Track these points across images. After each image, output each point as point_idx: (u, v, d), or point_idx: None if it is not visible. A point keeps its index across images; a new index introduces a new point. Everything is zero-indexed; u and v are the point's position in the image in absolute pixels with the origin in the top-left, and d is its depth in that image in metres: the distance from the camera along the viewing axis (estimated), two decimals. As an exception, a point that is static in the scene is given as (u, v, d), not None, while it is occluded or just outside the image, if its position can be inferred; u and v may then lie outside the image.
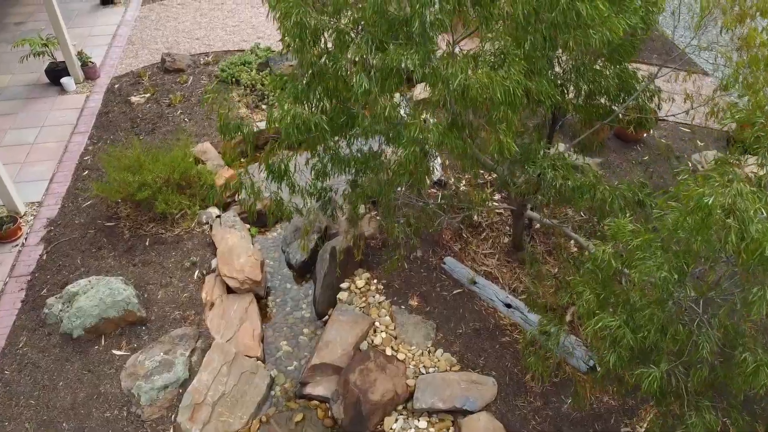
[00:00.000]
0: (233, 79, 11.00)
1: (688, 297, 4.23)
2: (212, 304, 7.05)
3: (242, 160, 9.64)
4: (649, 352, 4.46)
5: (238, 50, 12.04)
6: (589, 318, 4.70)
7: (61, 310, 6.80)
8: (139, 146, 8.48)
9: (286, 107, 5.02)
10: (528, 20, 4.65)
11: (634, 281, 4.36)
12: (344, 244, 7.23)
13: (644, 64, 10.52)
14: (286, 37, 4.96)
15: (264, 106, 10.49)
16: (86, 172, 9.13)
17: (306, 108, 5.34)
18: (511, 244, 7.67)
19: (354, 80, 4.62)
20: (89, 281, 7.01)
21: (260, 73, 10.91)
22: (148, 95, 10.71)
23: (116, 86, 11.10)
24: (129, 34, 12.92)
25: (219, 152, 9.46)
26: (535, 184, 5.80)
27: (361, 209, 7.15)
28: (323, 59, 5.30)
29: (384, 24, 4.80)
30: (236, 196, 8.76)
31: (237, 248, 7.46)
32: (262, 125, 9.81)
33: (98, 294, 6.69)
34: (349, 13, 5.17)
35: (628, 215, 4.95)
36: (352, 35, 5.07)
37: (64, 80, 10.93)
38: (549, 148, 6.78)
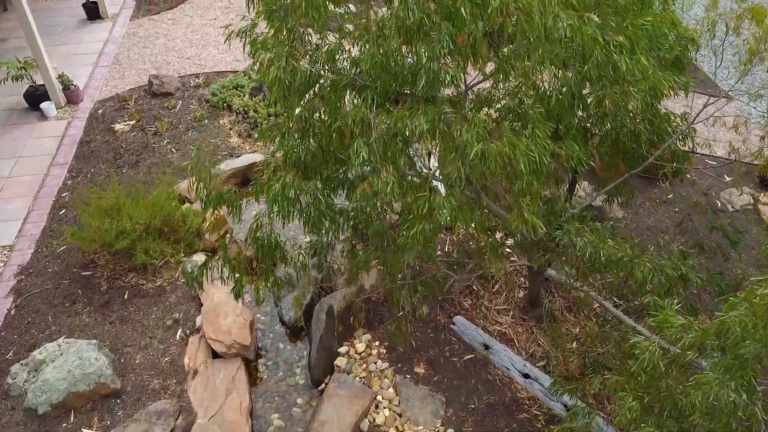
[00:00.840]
0: (225, 104, 10.28)
1: (760, 422, 3.50)
2: (195, 372, 6.33)
3: (233, 195, 8.91)
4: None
5: (231, 71, 11.32)
6: (632, 426, 4.01)
7: (26, 381, 6.09)
8: (119, 187, 7.77)
9: (274, 175, 4.30)
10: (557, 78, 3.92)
11: (688, 393, 3.65)
12: (342, 303, 6.52)
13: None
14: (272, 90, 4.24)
15: (256, 134, 9.75)
16: (63, 211, 8.41)
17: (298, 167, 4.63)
18: (527, 299, 6.95)
19: (351, 148, 3.89)
20: (59, 346, 6.30)
21: (253, 99, 10.18)
22: (133, 122, 9.99)
23: (100, 111, 10.38)
24: (116, 52, 12.19)
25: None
26: (560, 253, 5.08)
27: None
28: (316, 114, 4.59)
29: (386, 77, 4.08)
30: (226, 237, 8.05)
31: (224, 306, 6.73)
32: (255, 157, 9.11)
33: (67, 365, 5.97)
34: (345, 56, 4.46)
35: (675, 302, 4.23)
36: (350, 84, 4.35)
37: (44, 105, 10.21)
38: (571, 202, 6.07)
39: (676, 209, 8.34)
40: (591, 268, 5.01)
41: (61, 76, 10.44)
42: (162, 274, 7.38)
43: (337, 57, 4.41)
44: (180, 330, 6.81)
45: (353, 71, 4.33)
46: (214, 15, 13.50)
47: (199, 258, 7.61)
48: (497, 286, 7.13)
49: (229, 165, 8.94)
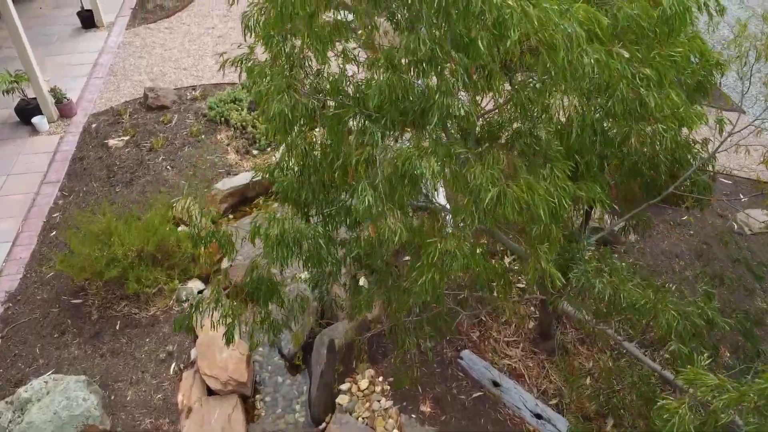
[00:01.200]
0: (222, 119, 9.95)
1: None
2: (190, 410, 6.01)
3: (230, 216, 8.60)
4: None
5: (228, 83, 10.98)
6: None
7: (10, 421, 5.76)
8: (110, 209, 7.46)
9: (271, 216, 3.97)
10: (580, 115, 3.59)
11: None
12: (344, 339, 6.19)
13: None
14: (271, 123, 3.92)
15: (255, 152, 9.44)
16: (54, 233, 8.09)
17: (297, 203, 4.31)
18: (538, 330, 6.62)
19: (355, 191, 3.57)
20: (45, 383, 5.98)
21: (252, 113, 9.85)
22: (127, 138, 9.66)
23: (93, 126, 10.05)
24: (111, 63, 11.86)
25: (204, 208, 8.41)
26: (578, 293, 4.76)
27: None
28: (317, 150, 4.27)
29: (394, 113, 3.75)
30: (221, 262, 7.74)
31: (219, 338, 6.37)
32: (252, 175, 8.77)
33: (53, 405, 5.65)
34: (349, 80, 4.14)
35: (705, 356, 3.90)
36: (354, 118, 4.03)
37: (35, 120, 9.90)
38: (586, 233, 5.74)
39: (691, 232, 8.01)
40: (610, 310, 4.69)
41: (53, 90, 10.12)
42: (155, 303, 7.05)
43: (341, 87, 4.09)
44: (174, 364, 6.49)
45: (357, 96, 4.00)
46: (212, 23, 13.18)
47: (195, 285, 7.30)
48: (506, 316, 6.80)
49: (226, 184, 8.61)
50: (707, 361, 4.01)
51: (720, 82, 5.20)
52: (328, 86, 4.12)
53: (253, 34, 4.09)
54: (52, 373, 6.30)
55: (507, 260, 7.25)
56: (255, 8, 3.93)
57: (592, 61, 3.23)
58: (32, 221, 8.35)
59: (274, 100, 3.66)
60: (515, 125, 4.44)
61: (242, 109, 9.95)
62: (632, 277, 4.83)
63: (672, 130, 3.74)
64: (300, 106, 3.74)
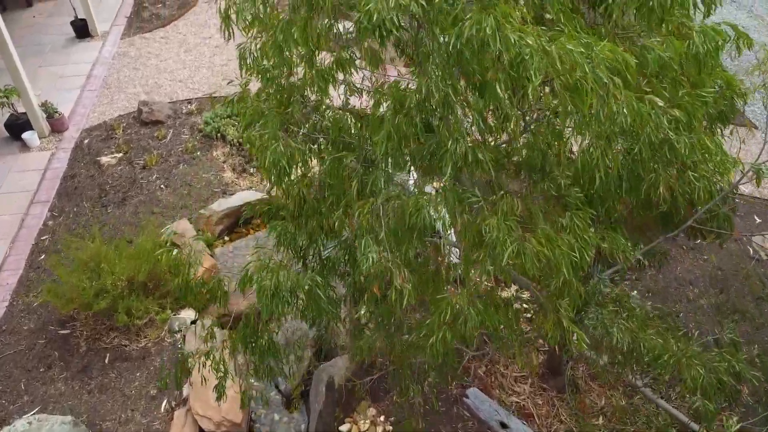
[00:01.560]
0: (218, 134, 9.64)
1: None
2: (181, 452, 5.70)
3: (226, 238, 8.30)
4: None
5: (225, 96, 10.66)
6: None
7: (-9, 466, 5.46)
8: (100, 233, 7.15)
9: (263, 264, 3.66)
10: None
11: None
12: (344, 375, 5.89)
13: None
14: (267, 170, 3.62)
15: (252, 169, 9.14)
16: (42, 257, 7.79)
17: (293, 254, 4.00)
18: (547, 365, 6.31)
19: (358, 246, 3.27)
20: (29, 424, 5.67)
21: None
22: (120, 155, 9.35)
23: (86, 142, 9.74)
24: (105, 74, 11.55)
25: (198, 230, 8.11)
26: (595, 341, 4.46)
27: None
28: (314, 189, 3.97)
29: (400, 158, 3.46)
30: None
31: (213, 377, 6.08)
32: (249, 195, 8.46)
33: (36, 450, 5.35)
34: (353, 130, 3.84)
35: (734, 420, 3.61)
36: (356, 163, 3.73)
37: (26, 135, 9.58)
38: (602, 272, 5.43)
39: (705, 257, 7.71)
40: (629, 359, 4.40)
41: (44, 104, 9.81)
42: (146, 334, 6.74)
43: (342, 125, 3.79)
44: (165, 401, 6.18)
45: (360, 137, 3.70)
46: (209, 33, 12.85)
47: (188, 314, 6.99)
48: (518, 366, 6.48)
49: (222, 205, 8.29)
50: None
51: (743, 109, 4.92)
52: (329, 124, 3.82)
53: (247, 68, 3.80)
54: (37, 411, 6.00)
55: (513, 289, 6.95)
56: (251, 41, 3.63)
57: (624, 110, 2.92)
58: (20, 244, 8.04)
59: (268, 150, 3.35)
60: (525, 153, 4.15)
61: (239, 125, 9.64)
62: (651, 321, 4.54)
63: (704, 178, 3.44)
64: (297, 153, 3.44)
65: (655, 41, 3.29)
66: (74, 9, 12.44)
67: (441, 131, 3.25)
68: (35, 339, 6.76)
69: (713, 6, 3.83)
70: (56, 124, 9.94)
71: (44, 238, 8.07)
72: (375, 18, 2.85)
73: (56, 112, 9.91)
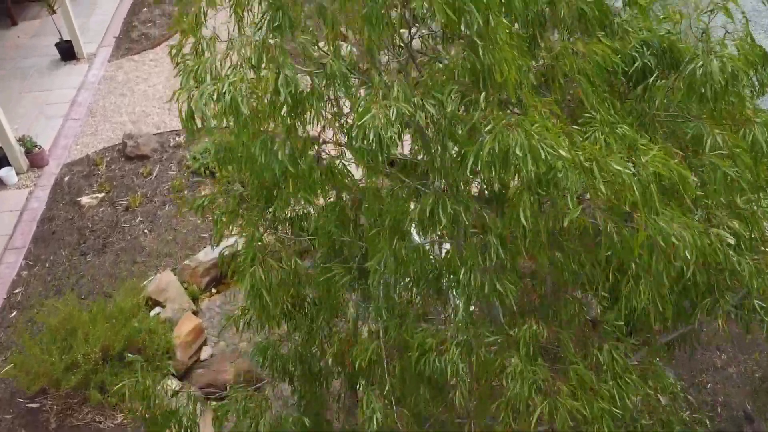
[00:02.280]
0: (207, 171, 9.05)
1: None
2: None
3: (213, 290, 7.70)
4: None
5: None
6: None
7: None
8: (73, 297, 6.57)
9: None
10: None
11: None
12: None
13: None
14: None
15: (241, 210, 8.51)
16: (14, 313, 7.20)
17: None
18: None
19: (360, 404, 2.68)
20: None
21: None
22: (102, 195, 8.77)
23: (66, 179, 9.15)
24: (90, 101, 10.95)
25: (183, 282, 7.51)
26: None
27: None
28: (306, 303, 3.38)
29: (398, 284, 2.86)
30: (200, 352, 6.86)
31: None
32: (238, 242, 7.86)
33: None
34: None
35: None
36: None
37: (2, 172, 9.01)
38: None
39: (733, 315, 7.09)
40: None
41: (22, 139, 9.22)
42: (123, 408, 6.15)
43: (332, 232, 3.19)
44: (141, 491, 5.60)
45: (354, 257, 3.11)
46: (201, 55, 12.24)
47: (169, 384, 6.39)
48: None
49: (208, 254, 7.68)
50: None
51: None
52: (316, 227, 3.23)
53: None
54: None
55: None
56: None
57: (687, 254, 2.33)
58: (-9, 297, 7.46)
59: (247, 273, 2.77)
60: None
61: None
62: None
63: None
64: (279, 274, 2.85)
65: (719, 155, 2.69)
66: (59, 31, 11.83)
67: (451, 258, 2.65)
68: (1, 414, 6.17)
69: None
70: (36, 159, 9.36)
71: (17, 291, 7.49)
72: (371, 137, 2.26)
73: (35, 146, 9.33)
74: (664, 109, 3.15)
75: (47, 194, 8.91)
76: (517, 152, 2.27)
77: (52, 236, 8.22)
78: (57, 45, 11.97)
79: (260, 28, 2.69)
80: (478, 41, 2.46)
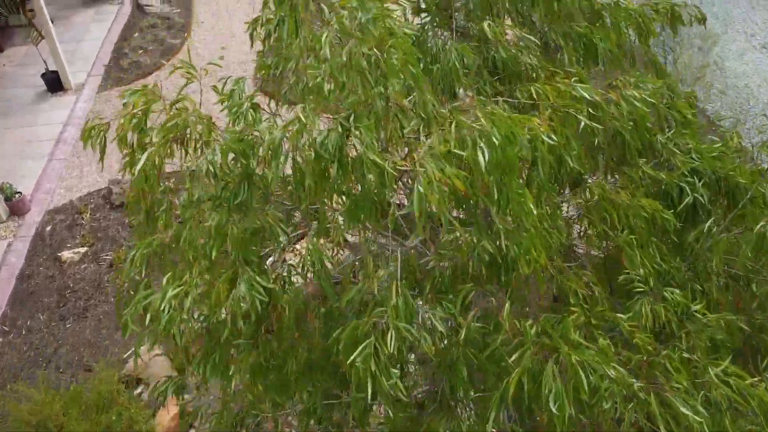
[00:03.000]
0: (198, 221, 8.49)
1: None
2: None
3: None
4: None
5: (207, 169, 9.52)
6: None
7: None
8: (46, 380, 6.03)
9: None
10: None
11: None
12: None
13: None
14: None
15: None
16: (-14, 390, 6.66)
17: None
18: None
19: None
20: None
21: (232, 217, 8.40)
22: (84, 249, 8.22)
23: (48, 229, 8.61)
24: (76, 138, 10.38)
25: (170, 353, 6.95)
26: None
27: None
28: None
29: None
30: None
31: None
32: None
33: None
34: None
35: None
36: None
37: (-20, 223, 8.48)
38: None
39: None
40: None
41: (1, 187, 8.68)
42: None
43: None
44: None
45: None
46: (193, 86, 11.68)
47: (151, 479, 5.86)
48: None
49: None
50: None
51: None
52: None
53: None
54: None
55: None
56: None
57: None
58: (-38, 370, 6.93)
59: None
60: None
61: (221, 212, 8.50)
62: None
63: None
64: None
65: None
66: (44, 61, 11.28)
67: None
68: None
69: None
70: (16, 207, 8.82)
71: (-10, 363, 6.95)
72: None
73: (16, 193, 8.79)
74: (724, 263, 2.59)
75: (27, 246, 8.36)
76: (552, 395, 1.72)
77: (30, 297, 7.67)
78: (43, 76, 11.42)
79: (218, 205, 2.14)
80: (500, 225, 1.90)
